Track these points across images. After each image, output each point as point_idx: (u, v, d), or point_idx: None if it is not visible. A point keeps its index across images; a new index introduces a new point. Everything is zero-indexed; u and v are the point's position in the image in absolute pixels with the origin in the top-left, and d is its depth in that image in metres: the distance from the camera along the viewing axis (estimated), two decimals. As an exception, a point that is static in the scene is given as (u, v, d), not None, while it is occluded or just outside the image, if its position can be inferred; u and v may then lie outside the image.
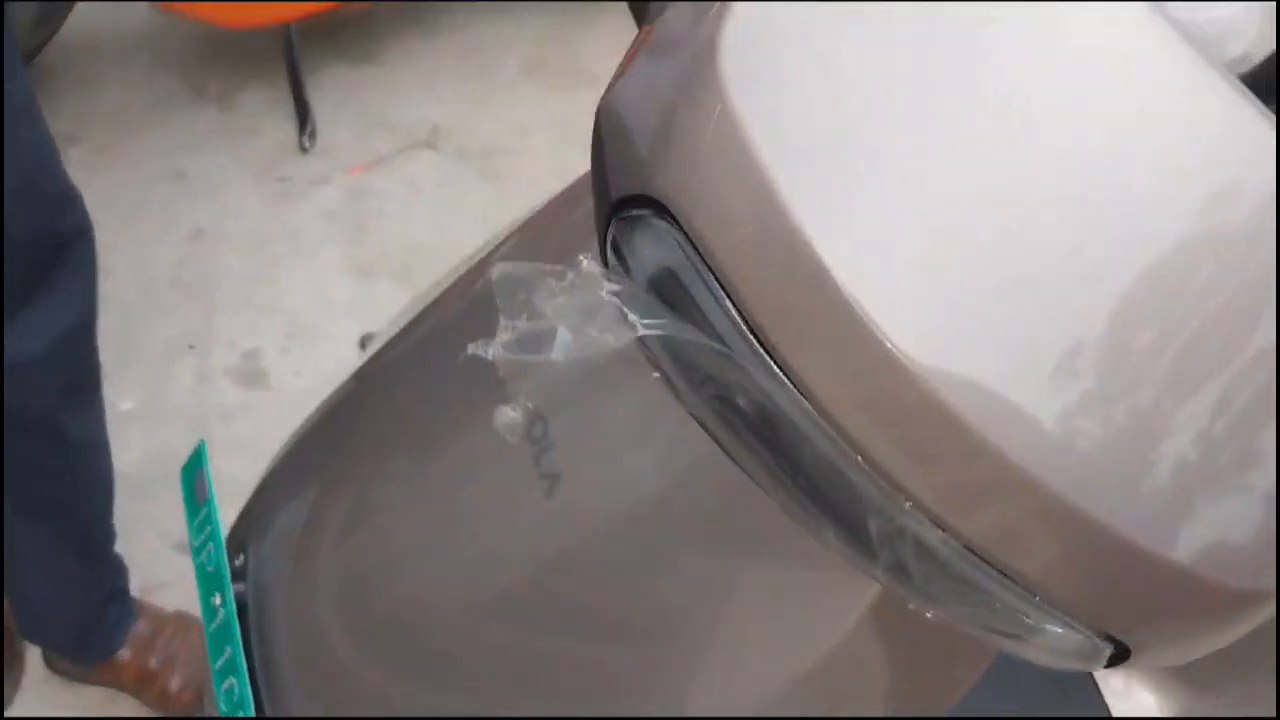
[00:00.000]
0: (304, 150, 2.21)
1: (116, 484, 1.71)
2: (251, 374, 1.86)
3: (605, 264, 0.47)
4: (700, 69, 0.41)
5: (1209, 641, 0.43)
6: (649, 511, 0.57)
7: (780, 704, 0.55)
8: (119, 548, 1.40)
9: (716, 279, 0.41)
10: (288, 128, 2.24)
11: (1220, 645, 0.43)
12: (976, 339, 0.37)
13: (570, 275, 0.43)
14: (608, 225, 0.47)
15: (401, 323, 0.77)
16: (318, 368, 1.86)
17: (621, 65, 0.50)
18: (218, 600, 0.72)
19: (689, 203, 0.41)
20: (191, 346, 1.89)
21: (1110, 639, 0.42)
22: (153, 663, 1.38)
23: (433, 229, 2.10)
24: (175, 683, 1.39)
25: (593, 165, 0.50)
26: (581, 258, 0.45)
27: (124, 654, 1.38)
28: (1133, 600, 0.40)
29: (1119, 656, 0.43)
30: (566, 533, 0.59)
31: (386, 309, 1.99)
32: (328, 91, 2.30)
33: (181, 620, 1.44)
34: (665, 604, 0.57)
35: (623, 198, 0.45)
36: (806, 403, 0.40)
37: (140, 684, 1.40)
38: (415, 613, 0.67)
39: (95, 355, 1.21)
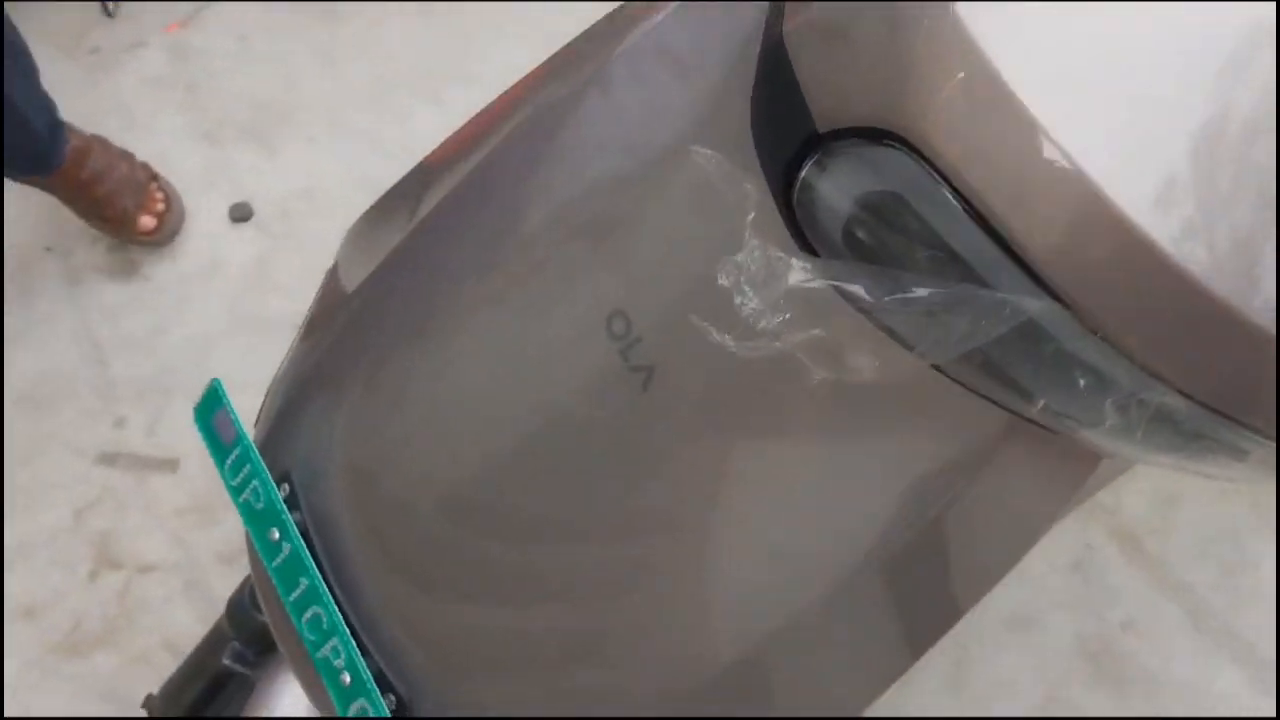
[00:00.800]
0: (109, 15, 2.03)
1: (13, 408, 1.64)
2: (122, 267, 1.76)
3: (788, 198, 0.47)
4: None
5: None
6: (754, 390, 0.57)
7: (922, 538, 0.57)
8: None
9: (960, 197, 0.41)
10: (85, -9, 2.05)
11: None
12: (1243, 234, 0.38)
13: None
14: (800, 160, 0.46)
15: (424, 185, 0.70)
16: (191, 248, 1.77)
17: None
18: (275, 535, 0.71)
19: (935, 128, 0.41)
20: (48, 249, 1.77)
21: None
22: (83, 174, 1.67)
23: (273, 79, 1.98)
24: (101, 189, 1.69)
25: (771, 99, 0.48)
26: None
27: (66, 166, 1.66)
28: None
29: None
30: (672, 423, 0.59)
31: (248, 172, 1.91)
32: (118, -57, 2.10)
33: (99, 139, 1.73)
34: (780, 480, 0.58)
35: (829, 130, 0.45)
36: (1060, 306, 0.41)
37: (75, 192, 1.69)
38: (491, 507, 0.66)
39: None
